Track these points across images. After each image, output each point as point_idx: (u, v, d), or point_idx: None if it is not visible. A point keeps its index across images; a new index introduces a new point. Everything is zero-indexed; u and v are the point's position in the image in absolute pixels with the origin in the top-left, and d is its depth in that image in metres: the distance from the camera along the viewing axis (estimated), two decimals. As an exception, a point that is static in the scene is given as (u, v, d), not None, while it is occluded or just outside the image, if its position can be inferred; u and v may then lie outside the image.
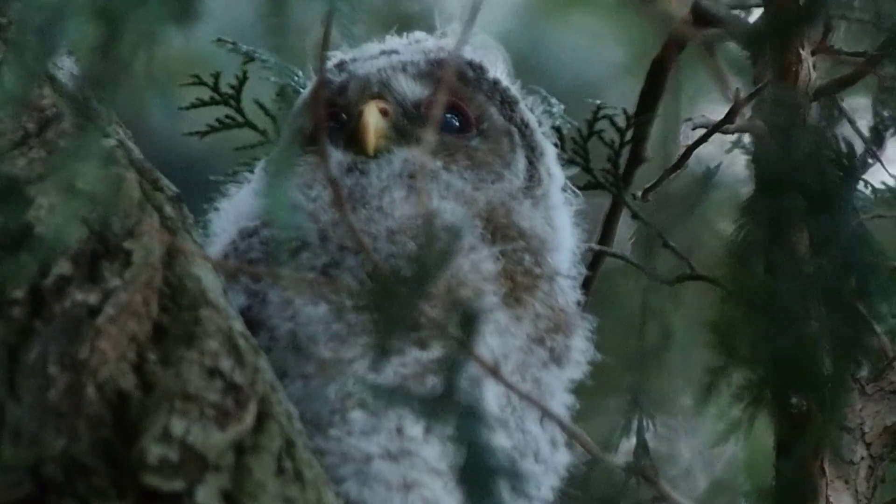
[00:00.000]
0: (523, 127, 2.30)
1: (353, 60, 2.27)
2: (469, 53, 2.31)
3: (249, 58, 2.73)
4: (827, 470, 2.29)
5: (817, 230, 1.83)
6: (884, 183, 2.55)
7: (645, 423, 2.43)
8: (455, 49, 2.20)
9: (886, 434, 2.51)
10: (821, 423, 2.03)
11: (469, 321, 1.75)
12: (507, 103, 2.30)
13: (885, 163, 2.41)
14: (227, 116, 2.75)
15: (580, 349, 2.18)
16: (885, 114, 2.01)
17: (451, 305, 1.84)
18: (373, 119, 2.15)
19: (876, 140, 1.97)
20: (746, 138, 2.45)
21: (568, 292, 2.20)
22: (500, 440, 2.03)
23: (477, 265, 2.09)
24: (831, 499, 2.38)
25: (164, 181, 1.99)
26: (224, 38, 2.71)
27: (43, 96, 1.98)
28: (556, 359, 2.14)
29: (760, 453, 2.27)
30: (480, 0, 1.91)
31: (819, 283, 1.83)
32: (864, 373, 2.52)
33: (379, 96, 2.21)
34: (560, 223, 2.28)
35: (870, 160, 2.03)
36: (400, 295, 1.72)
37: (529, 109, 2.34)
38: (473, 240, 2.11)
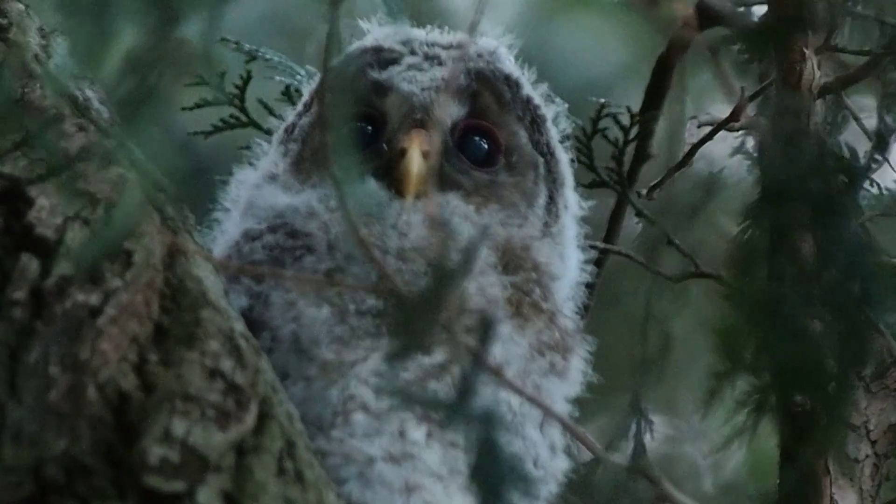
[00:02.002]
0: (549, 156, 2.30)
1: (392, 56, 2.26)
2: (507, 65, 2.31)
3: (253, 57, 2.73)
4: (831, 468, 2.28)
5: (821, 237, 1.83)
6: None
7: (644, 427, 2.42)
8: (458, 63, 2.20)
9: (891, 432, 2.51)
10: (825, 427, 2.03)
11: (485, 328, 1.75)
12: (536, 124, 2.29)
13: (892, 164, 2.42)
14: (231, 116, 2.75)
15: (579, 369, 2.18)
16: (889, 118, 2.01)
17: (463, 313, 1.84)
18: (415, 166, 2.13)
19: (880, 143, 1.96)
20: (750, 141, 2.44)
21: (569, 321, 2.20)
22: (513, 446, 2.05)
23: (483, 289, 2.09)
24: (836, 497, 2.38)
25: (165, 182, 1.99)
26: (228, 37, 2.71)
27: (44, 96, 1.98)
28: (557, 373, 2.14)
29: (765, 455, 2.26)
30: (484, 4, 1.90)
31: (823, 289, 1.83)
32: (869, 371, 2.52)
33: (421, 124, 2.19)
34: (569, 254, 2.29)
35: (875, 162, 2.03)
36: (417, 309, 1.72)
37: (553, 120, 2.33)
38: (484, 265, 2.11)
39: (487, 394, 1.74)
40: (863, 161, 2.13)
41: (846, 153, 1.99)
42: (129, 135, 1.75)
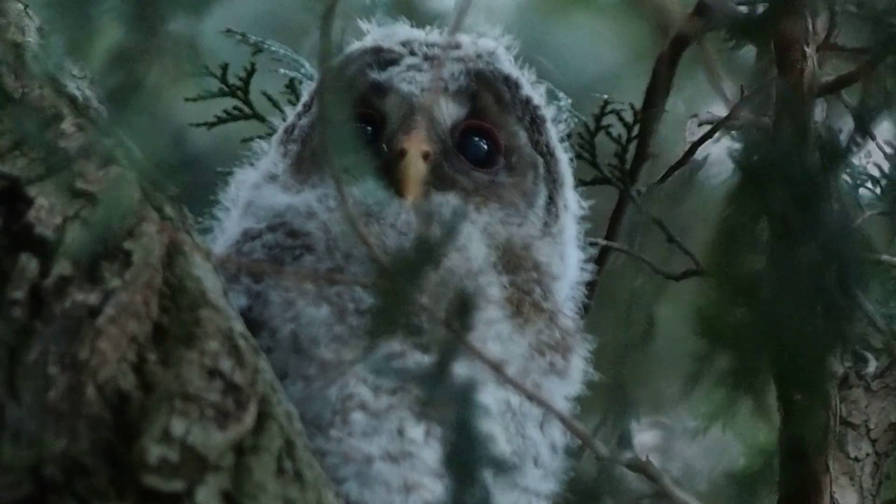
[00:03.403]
0: (549, 156, 2.30)
1: (391, 56, 2.26)
2: (507, 66, 2.31)
3: (259, 49, 2.73)
4: (831, 466, 2.28)
5: (801, 219, 1.83)
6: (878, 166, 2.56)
7: (630, 416, 2.43)
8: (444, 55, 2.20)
9: (891, 431, 2.51)
10: (806, 411, 2.03)
11: (463, 306, 1.75)
12: (536, 124, 2.30)
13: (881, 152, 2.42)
14: (234, 108, 2.75)
15: (579, 368, 2.19)
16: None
17: (445, 295, 1.85)
18: (415, 169, 2.14)
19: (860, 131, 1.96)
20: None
21: (570, 320, 2.21)
22: (494, 431, 2.05)
23: (482, 289, 2.10)
24: (836, 495, 2.38)
25: (165, 180, 1.99)
26: (233, 29, 2.71)
27: (43, 96, 1.98)
28: (557, 372, 2.15)
29: (764, 451, 2.26)
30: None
31: (802, 272, 1.83)
32: (869, 370, 2.52)
33: (420, 124, 2.19)
34: (569, 254, 2.30)
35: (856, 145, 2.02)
36: (396, 284, 1.72)
37: (552, 119, 2.34)
38: (484, 265, 2.12)
39: (466, 375, 1.75)
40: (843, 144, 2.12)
41: (826, 136, 1.99)
42: (118, 128, 1.75)
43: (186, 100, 2.68)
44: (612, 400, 2.33)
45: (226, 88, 2.74)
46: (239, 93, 2.75)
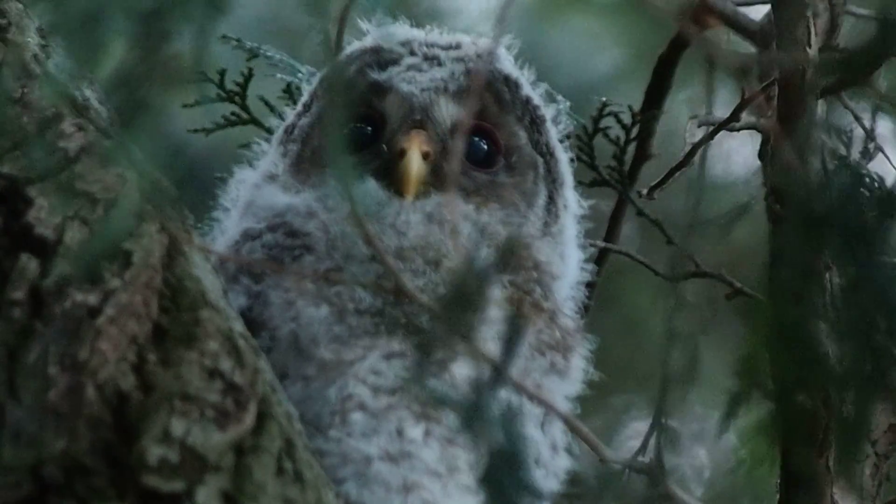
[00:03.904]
0: (548, 156, 2.30)
1: (391, 56, 2.26)
2: (507, 66, 2.31)
3: (255, 55, 2.73)
4: (832, 468, 2.28)
5: (853, 269, 1.82)
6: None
7: (665, 441, 2.43)
8: (485, 64, 2.20)
9: (891, 432, 2.50)
10: (840, 455, 2.03)
11: (512, 336, 1.75)
12: (535, 124, 2.30)
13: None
14: (232, 113, 2.75)
15: (579, 368, 2.19)
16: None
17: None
18: (415, 167, 2.15)
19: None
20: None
21: (570, 320, 2.21)
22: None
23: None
24: (836, 497, 2.37)
25: (164, 182, 1.99)
26: (229, 34, 2.71)
27: (43, 97, 1.98)
28: (558, 372, 2.15)
29: (764, 455, 2.26)
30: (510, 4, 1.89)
31: (849, 320, 1.82)
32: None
33: (420, 124, 2.20)
34: (569, 254, 2.30)
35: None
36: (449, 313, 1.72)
37: (552, 120, 2.34)
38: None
39: (505, 401, 1.75)
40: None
41: (878, 183, 1.99)
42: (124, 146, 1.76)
43: (184, 106, 2.68)
44: (650, 428, 2.32)
45: (223, 94, 2.73)
46: (236, 98, 2.74)
